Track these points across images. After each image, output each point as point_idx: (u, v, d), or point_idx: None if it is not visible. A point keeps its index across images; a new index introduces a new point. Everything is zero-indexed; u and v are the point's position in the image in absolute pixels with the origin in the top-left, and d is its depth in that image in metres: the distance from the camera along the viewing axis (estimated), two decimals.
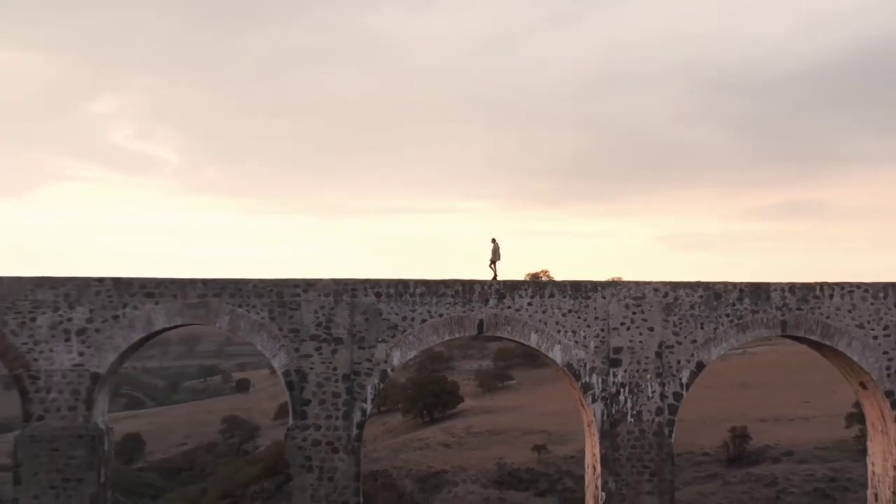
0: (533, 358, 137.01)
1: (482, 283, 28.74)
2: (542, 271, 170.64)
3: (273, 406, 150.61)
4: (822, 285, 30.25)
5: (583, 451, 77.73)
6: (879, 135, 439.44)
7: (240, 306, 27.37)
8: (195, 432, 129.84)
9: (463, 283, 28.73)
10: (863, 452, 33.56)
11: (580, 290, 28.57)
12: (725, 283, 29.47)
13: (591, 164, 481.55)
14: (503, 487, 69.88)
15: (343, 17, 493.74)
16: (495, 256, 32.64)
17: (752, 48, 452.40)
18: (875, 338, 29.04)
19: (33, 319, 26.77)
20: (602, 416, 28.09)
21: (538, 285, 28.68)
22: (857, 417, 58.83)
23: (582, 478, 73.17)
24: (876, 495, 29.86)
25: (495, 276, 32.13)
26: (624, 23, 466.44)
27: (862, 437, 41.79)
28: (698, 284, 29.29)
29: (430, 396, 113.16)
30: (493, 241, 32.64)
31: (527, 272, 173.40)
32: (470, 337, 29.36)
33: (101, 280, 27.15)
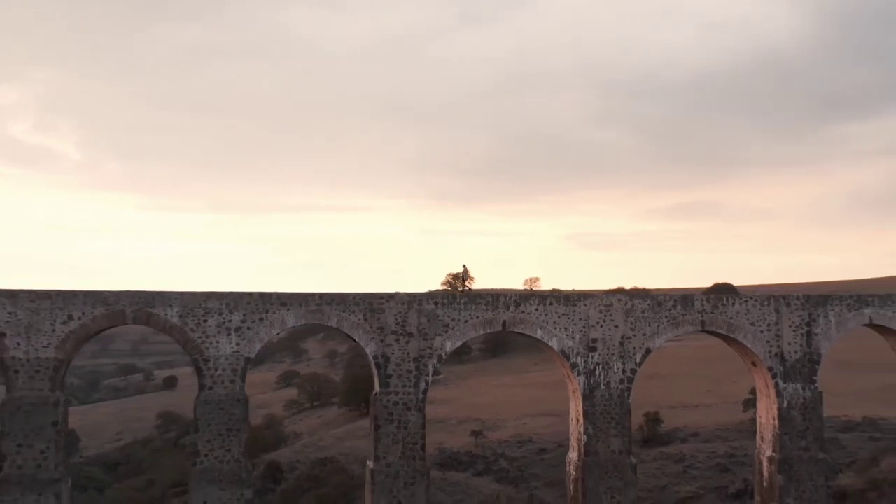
0: (457, 354, 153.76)
1: (505, 294, 44.99)
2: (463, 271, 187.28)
3: None
4: (727, 296, 47.63)
5: (515, 437, 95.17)
6: (774, 138, 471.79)
7: (343, 311, 42.68)
8: (128, 428, 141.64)
9: (492, 295, 45.07)
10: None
11: (569, 300, 44.78)
12: (665, 294, 46.47)
13: (502, 165, 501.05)
14: (444, 469, 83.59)
15: (253, 12, 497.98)
16: (465, 276, 49.65)
17: (657, 52, 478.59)
18: (762, 332, 45.96)
19: (205, 321, 41.32)
20: (584, 384, 44.29)
21: (542, 297, 44.73)
22: (752, 403, 70.92)
23: (515, 458, 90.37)
24: (762, 437, 47.09)
25: (465, 289, 49.05)
26: (534, 25, 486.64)
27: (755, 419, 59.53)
28: (647, 295, 46.25)
29: (368, 390, 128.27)
30: (464, 266, 49.85)
31: (448, 272, 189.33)
32: (495, 332, 45.45)
33: (250, 294, 41.91)
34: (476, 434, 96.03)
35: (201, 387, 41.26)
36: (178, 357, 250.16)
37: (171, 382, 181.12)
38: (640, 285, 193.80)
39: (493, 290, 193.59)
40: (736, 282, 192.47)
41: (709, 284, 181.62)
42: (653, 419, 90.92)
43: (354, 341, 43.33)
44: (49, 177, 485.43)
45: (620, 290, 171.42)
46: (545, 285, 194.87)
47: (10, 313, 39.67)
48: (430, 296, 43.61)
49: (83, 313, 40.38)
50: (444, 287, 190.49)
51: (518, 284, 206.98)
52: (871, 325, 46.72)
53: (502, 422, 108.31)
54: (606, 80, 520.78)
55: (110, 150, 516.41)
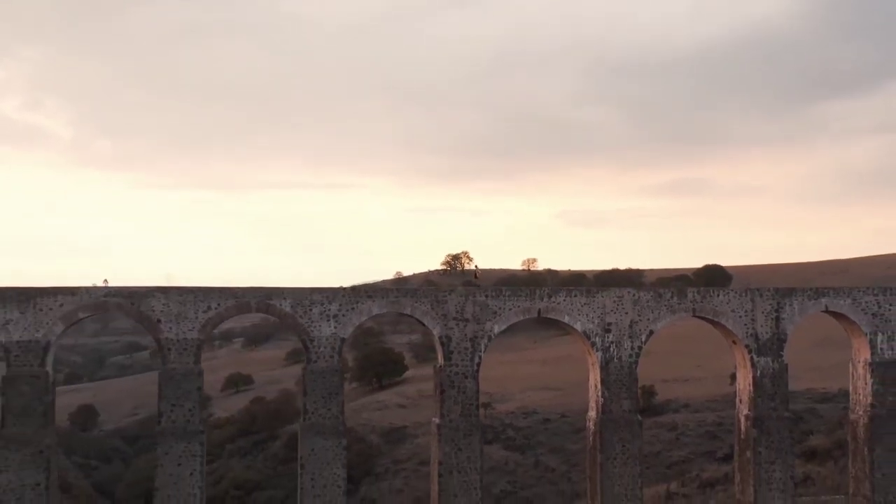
0: None
1: (541, 287, 61.03)
2: (463, 252, 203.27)
3: (217, 378, 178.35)
4: (713, 289, 63.56)
5: (520, 408, 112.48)
6: (762, 116, 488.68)
7: (415, 302, 57.62)
8: (144, 403, 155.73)
9: (530, 289, 61.15)
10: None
11: (590, 292, 59.77)
12: (665, 289, 62.69)
13: (490, 142, 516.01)
14: None
15: None
16: (476, 272, 66.54)
17: (646, 31, 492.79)
18: (740, 317, 60.56)
19: (311, 309, 55.68)
20: (601, 358, 59.13)
21: (569, 290, 59.61)
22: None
23: (521, 428, 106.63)
24: (740, 400, 62.74)
25: (476, 282, 65.50)
26: (523, 3, 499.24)
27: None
28: (650, 289, 62.30)
29: (378, 366, 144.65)
30: (476, 266, 66.85)
31: (447, 253, 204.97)
32: (532, 319, 61.20)
33: (343, 287, 57.49)
34: (485, 406, 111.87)
35: (308, 360, 56.31)
36: None
37: None
38: (634, 266, 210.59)
39: (491, 270, 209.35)
40: (725, 261, 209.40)
41: (699, 264, 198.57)
42: (648, 392, 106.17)
43: (423, 325, 59.12)
44: (40, 155, 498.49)
45: (616, 272, 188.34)
46: (541, 265, 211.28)
47: (164, 304, 54.84)
48: (483, 290, 59.39)
49: (219, 304, 55.70)
50: (444, 267, 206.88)
51: (515, 265, 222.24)
52: (827, 311, 62.79)
53: (509, 395, 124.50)
54: (595, 59, 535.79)
55: (101, 129, 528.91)
